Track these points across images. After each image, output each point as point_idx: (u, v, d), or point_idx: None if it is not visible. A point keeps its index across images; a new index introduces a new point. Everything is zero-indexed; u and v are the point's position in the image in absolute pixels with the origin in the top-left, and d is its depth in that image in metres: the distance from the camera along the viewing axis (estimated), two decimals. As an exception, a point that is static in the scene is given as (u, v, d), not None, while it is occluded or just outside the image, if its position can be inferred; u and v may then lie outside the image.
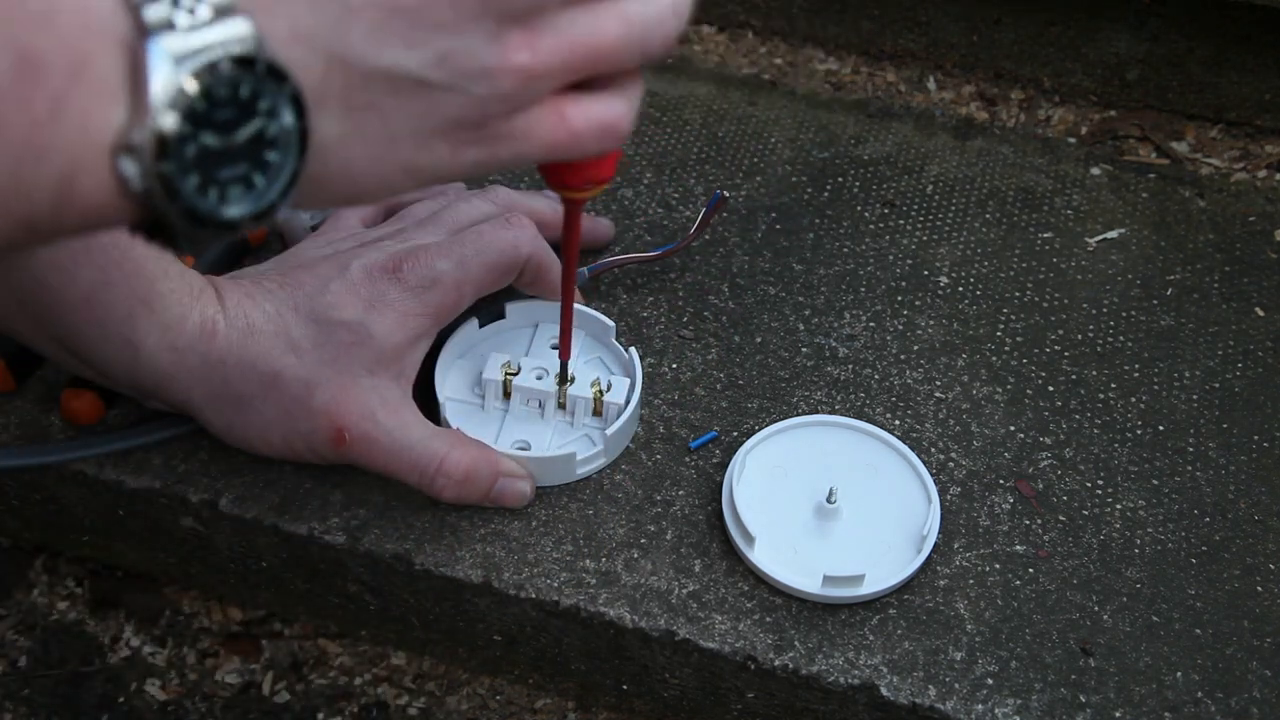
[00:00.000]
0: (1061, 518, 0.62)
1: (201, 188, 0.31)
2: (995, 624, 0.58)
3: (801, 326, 0.70)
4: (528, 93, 0.34)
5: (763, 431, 0.63)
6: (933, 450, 0.64)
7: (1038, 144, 0.83)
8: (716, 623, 0.57)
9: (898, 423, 0.66)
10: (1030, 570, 0.60)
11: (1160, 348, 0.70)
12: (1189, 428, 0.66)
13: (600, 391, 0.62)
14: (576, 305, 0.63)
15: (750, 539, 0.59)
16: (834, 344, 0.69)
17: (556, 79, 0.35)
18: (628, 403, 0.62)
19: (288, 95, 0.31)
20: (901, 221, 0.77)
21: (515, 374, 0.63)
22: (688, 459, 0.64)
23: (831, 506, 0.60)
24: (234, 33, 0.29)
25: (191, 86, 0.29)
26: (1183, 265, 0.75)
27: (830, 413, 0.65)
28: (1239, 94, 0.87)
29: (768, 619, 0.58)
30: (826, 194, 0.79)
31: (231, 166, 0.31)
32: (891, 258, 0.75)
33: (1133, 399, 0.68)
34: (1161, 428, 0.66)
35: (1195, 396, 0.68)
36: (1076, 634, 0.58)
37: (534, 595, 0.58)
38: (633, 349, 0.64)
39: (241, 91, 0.30)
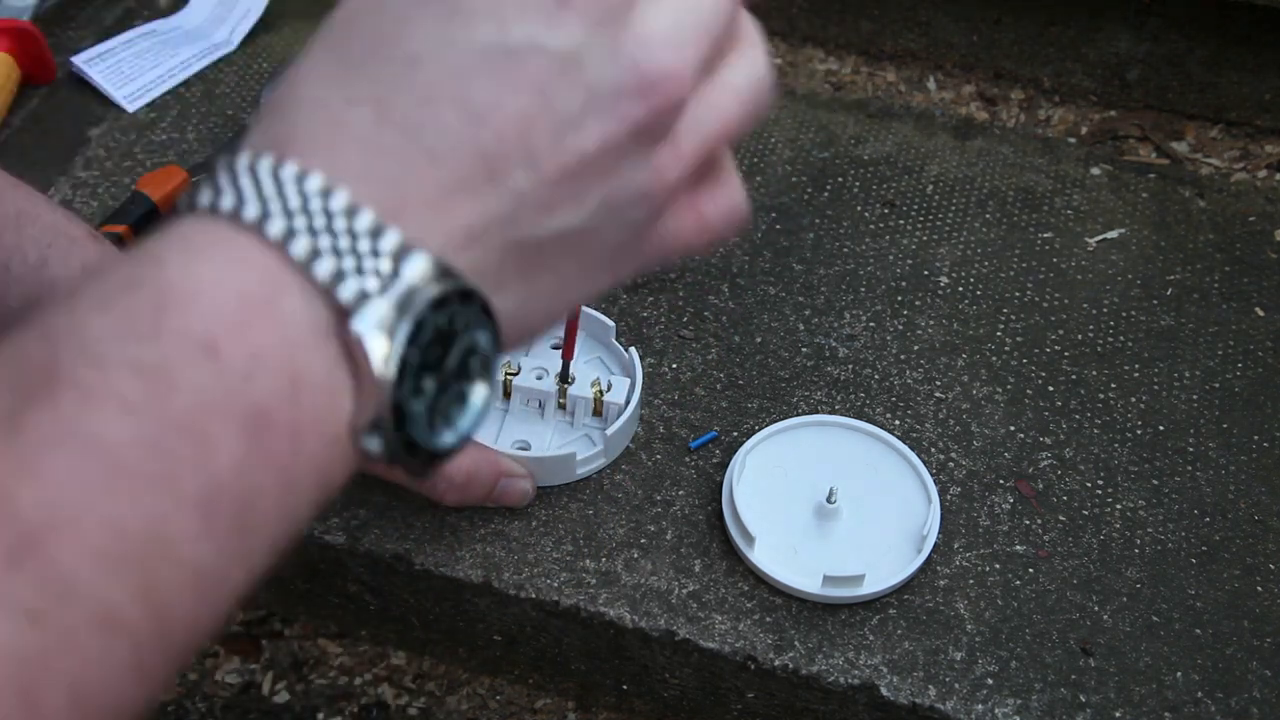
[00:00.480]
0: (1061, 518, 0.62)
1: (429, 425, 0.30)
2: (995, 624, 0.58)
3: (801, 326, 0.70)
4: (673, 200, 0.35)
5: (763, 431, 0.63)
6: (933, 450, 0.64)
7: (1038, 144, 0.83)
8: (716, 623, 0.57)
9: (898, 423, 0.66)
10: (1030, 570, 0.60)
11: (1160, 348, 0.70)
12: (1189, 428, 0.66)
13: (600, 391, 0.62)
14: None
15: (750, 539, 0.58)
16: (834, 344, 0.69)
17: (693, 176, 0.35)
18: (628, 403, 0.62)
19: (478, 309, 0.30)
20: (901, 221, 0.77)
21: (515, 374, 0.63)
22: (688, 459, 0.64)
23: (831, 506, 0.60)
24: (419, 272, 0.28)
25: (405, 352, 0.28)
26: (1183, 265, 0.75)
27: (830, 413, 0.65)
28: (1239, 94, 0.87)
29: (768, 619, 0.58)
30: (826, 194, 0.79)
31: (447, 392, 0.31)
32: (891, 258, 0.75)
33: (1133, 399, 0.68)
34: (1161, 428, 0.66)
35: (1195, 396, 0.68)
36: (1076, 634, 0.58)
37: (534, 595, 0.58)
38: (633, 349, 0.64)
39: (441, 323, 0.29)
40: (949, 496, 0.62)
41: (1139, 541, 0.61)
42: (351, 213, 0.28)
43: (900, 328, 0.71)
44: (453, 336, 0.30)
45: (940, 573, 0.60)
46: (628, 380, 0.63)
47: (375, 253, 0.28)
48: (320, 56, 0.31)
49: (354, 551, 0.60)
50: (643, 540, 0.60)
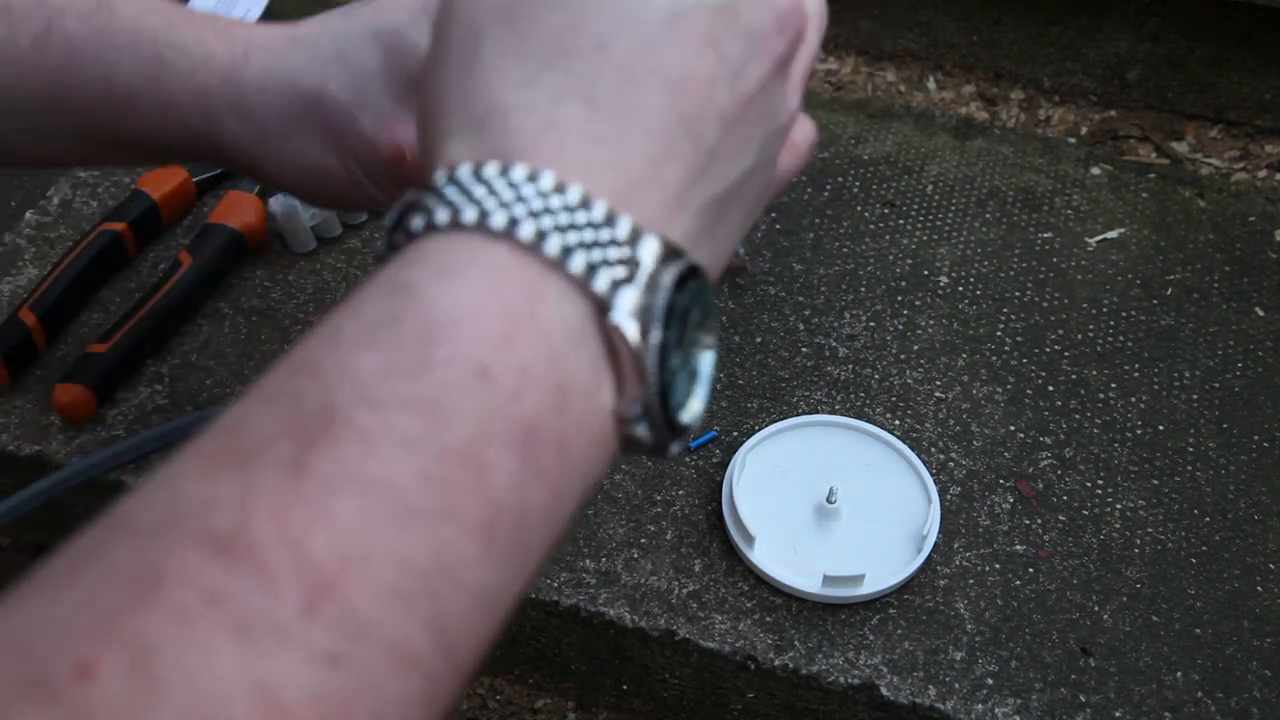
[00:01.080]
0: (1061, 518, 0.62)
1: (684, 404, 0.31)
2: (995, 624, 0.58)
3: (801, 326, 0.70)
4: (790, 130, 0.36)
5: (763, 431, 0.63)
6: (933, 450, 0.64)
7: (1038, 144, 0.83)
8: (716, 623, 0.57)
9: (898, 423, 0.66)
10: (1030, 570, 0.60)
11: (1160, 348, 0.70)
12: (1189, 428, 0.66)
13: None
14: None
15: (750, 539, 0.58)
16: (834, 344, 0.69)
17: None
18: None
19: (701, 279, 0.31)
20: (901, 221, 0.77)
21: None
22: (688, 459, 0.64)
23: (831, 506, 0.60)
24: (652, 254, 0.29)
25: (658, 336, 0.29)
26: (1183, 265, 0.75)
27: (830, 413, 0.65)
28: (1239, 94, 0.87)
29: (768, 619, 0.58)
30: (826, 194, 0.79)
31: (687, 364, 0.31)
32: (891, 258, 0.75)
33: (1133, 399, 0.68)
34: (1161, 428, 0.66)
35: (1195, 396, 0.68)
36: (1076, 634, 0.58)
37: (534, 595, 0.58)
38: None
39: (683, 303, 0.30)
40: (949, 496, 0.62)
41: (1139, 541, 0.61)
42: (587, 204, 0.28)
43: (900, 328, 0.71)
44: (687, 311, 0.30)
45: (940, 573, 0.60)
46: None
47: (615, 241, 0.28)
48: (499, 60, 0.31)
49: (354, 551, 0.60)
50: (643, 540, 0.60)
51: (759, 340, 0.69)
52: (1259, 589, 0.60)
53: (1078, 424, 0.66)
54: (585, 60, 0.30)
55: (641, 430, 0.29)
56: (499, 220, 0.28)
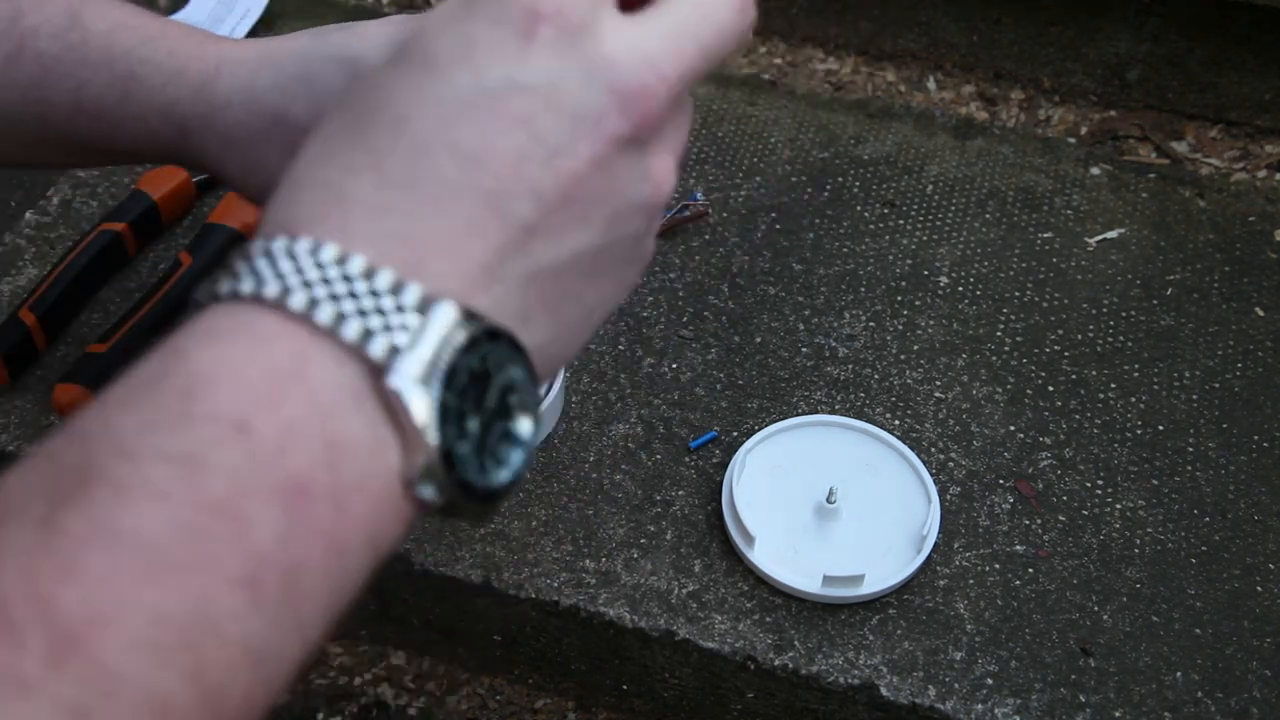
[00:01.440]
0: (1061, 518, 0.62)
1: (480, 467, 0.31)
2: (995, 624, 0.58)
3: (801, 326, 0.70)
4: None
5: (763, 431, 0.63)
6: (933, 450, 0.64)
7: (1038, 144, 0.83)
8: (716, 623, 0.57)
9: (898, 423, 0.66)
10: (1030, 570, 0.60)
11: (1160, 348, 0.70)
12: (1189, 428, 0.66)
13: None
14: None
15: (750, 539, 0.58)
16: (834, 344, 0.69)
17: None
18: (552, 383, 0.62)
19: (507, 345, 0.31)
20: (901, 221, 0.77)
21: None
22: (688, 459, 0.64)
23: (831, 506, 0.60)
24: (446, 321, 0.29)
25: (443, 397, 0.29)
26: (1183, 265, 0.75)
27: (830, 413, 0.65)
28: (1239, 94, 0.87)
29: (767, 619, 0.58)
30: (826, 194, 0.79)
31: (492, 431, 0.31)
32: (891, 258, 0.75)
33: (1133, 399, 0.68)
34: (1161, 428, 0.66)
35: (1195, 396, 0.68)
36: (1076, 634, 0.58)
37: (534, 595, 0.58)
38: None
39: (474, 364, 0.30)
40: (949, 496, 0.62)
41: (1139, 541, 0.61)
42: (370, 274, 0.29)
43: (900, 328, 0.71)
44: (487, 376, 0.30)
45: (940, 573, 0.60)
46: None
47: (400, 308, 0.29)
48: (315, 143, 0.32)
49: (354, 551, 0.60)
50: (643, 540, 0.60)
51: (759, 340, 0.69)
52: (1259, 589, 0.60)
53: (1078, 424, 0.66)
54: (383, 134, 0.31)
55: (428, 493, 0.29)
56: (272, 290, 0.28)
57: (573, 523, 0.61)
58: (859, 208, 0.78)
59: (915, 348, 0.70)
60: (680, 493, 0.62)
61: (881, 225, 0.77)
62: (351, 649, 0.71)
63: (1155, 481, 0.64)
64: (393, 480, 0.29)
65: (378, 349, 0.28)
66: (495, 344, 0.30)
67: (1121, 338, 0.71)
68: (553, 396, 0.62)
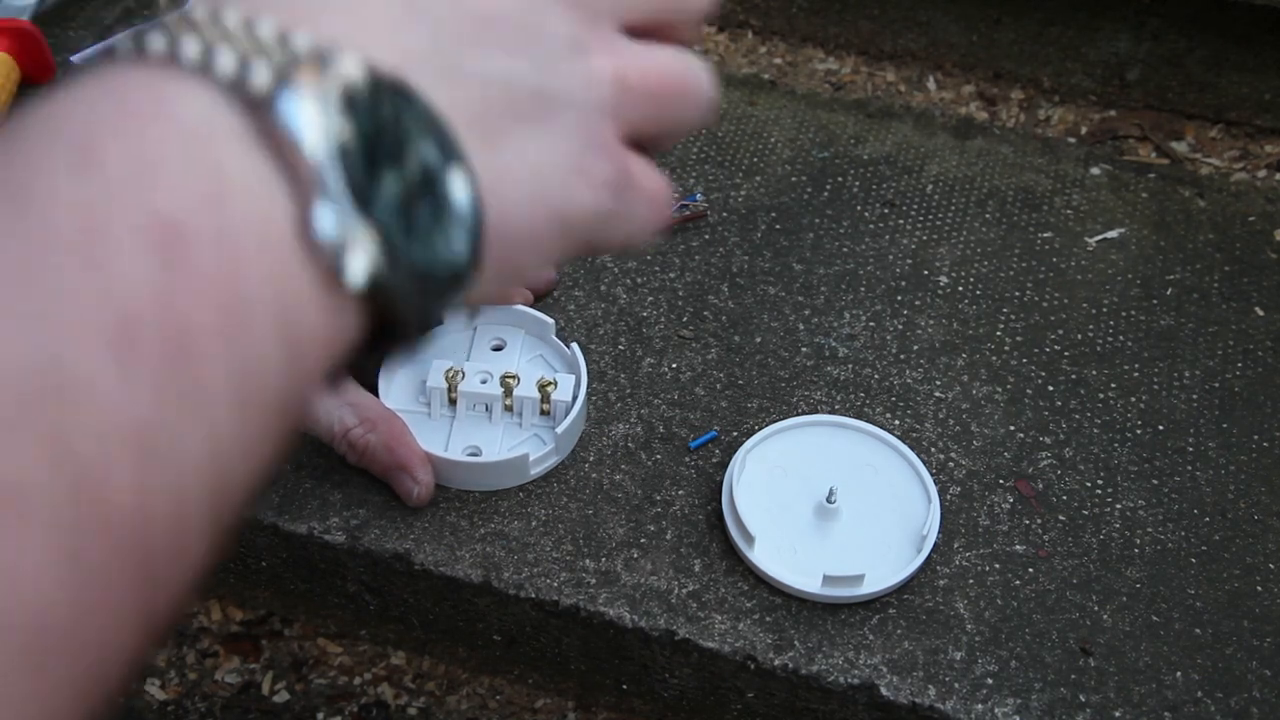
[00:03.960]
0: (1061, 518, 0.62)
1: (408, 231, 0.26)
2: (995, 624, 0.58)
3: (801, 326, 0.70)
4: (627, 110, 0.32)
5: (763, 431, 0.63)
6: (933, 450, 0.64)
7: (1038, 144, 0.83)
8: (716, 622, 0.57)
9: (898, 423, 0.66)
10: (1030, 570, 0.60)
11: (1160, 348, 0.70)
12: (1189, 428, 0.66)
13: (546, 388, 0.62)
14: (516, 306, 0.65)
15: (750, 539, 0.58)
16: (834, 344, 0.69)
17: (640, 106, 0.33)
18: (575, 399, 0.62)
19: (423, 112, 0.27)
20: (901, 221, 0.77)
21: (459, 379, 0.62)
22: (688, 459, 0.64)
23: (831, 506, 0.60)
24: (347, 64, 0.26)
25: (343, 130, 0.25)
26: (1183, 265, 0.75)
27: (830, 412, 0.65)
28: (1239, 94, 0.87)
29: (767, 619, 0.58)
30: (826, 194, 0.79)
31: (420, 205, 0.27)
32: (891, 258, 0.75)
33: (1133, 399, 0.68)
34: (1161, 428, 0.66)
35: (1195, 396, 0.68)
36: (1076, 634, 0.58)
37: (534, 595, 0.58)
38: (574, 344, 0.64)
39: (386, 114, 0.26)
40: (949, 496, 0.62)
41: (1139, 541, 0.61)
42: (250, 24, 0.26)
43: (900, 327, 0.71)
44: (403, 140, 0.26)
45: (940, 572, 0.60)
46: (572, 376, 0.63)
47: (291, 53, 0.25)
48: None
49: (354, 551, 0.60)
50: (642, 540, 0.60)
51: (759, 340, 0.69)
52: (1259, 589, 0.60)
53: (1078, 424, 0.66)
54: None
55: (326, 223, 0.25)
56: (126, 44, 0.25)
57: (572, 522, 0.61)
58: (859, 207, 0.78)
59: (915, 347, 0.70)
60: (680, 493, 0.62)
61: (881, 225, 0.77)
62: (351, 649, 0.71)
63: (1155, 481, 0.64)
64: (288, 232, 0.25)
65: (259, 80, 0.25)
66: (407, 102, 0.26)
67: (1121, 337, 0.71)
68: (575, 413, 0.62)
